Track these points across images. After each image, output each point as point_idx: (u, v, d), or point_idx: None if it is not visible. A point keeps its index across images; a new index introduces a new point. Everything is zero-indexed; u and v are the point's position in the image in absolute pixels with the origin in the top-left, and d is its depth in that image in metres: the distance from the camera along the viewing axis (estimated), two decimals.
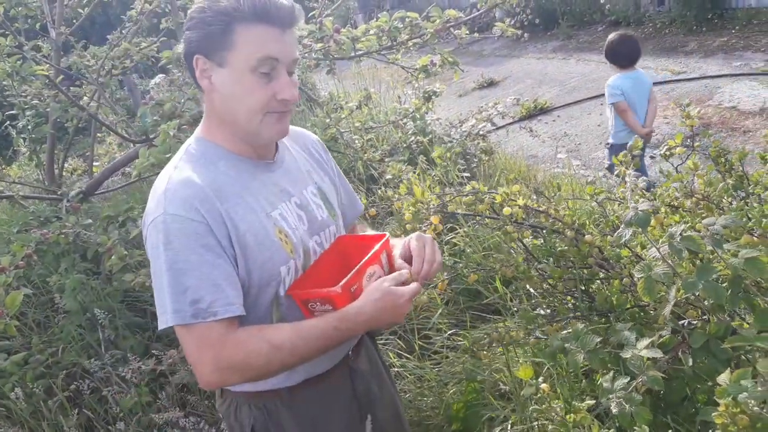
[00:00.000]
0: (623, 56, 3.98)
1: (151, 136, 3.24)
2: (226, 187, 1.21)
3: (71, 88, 4.08)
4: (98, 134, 5.66)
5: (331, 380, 1.40)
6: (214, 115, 1.26)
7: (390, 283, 1.23)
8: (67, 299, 2.91)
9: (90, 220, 3.23)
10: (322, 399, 1.39)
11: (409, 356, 2.67)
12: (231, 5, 1.13)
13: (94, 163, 5.09)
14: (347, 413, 1.43)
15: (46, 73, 3.64)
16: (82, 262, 3.13)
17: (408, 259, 1.34)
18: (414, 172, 3.69)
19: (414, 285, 1.25)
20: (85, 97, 4.13)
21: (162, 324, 1.15)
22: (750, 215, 1.65)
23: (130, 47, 3.76)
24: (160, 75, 7.42)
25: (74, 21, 4.25)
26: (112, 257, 2.74)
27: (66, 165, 5.45)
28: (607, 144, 4.31)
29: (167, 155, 2.45)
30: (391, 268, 1.35)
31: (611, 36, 4.08)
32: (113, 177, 4.85)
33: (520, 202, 1.87)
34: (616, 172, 2.01)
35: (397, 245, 1.40)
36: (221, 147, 1.26)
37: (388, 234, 1.37)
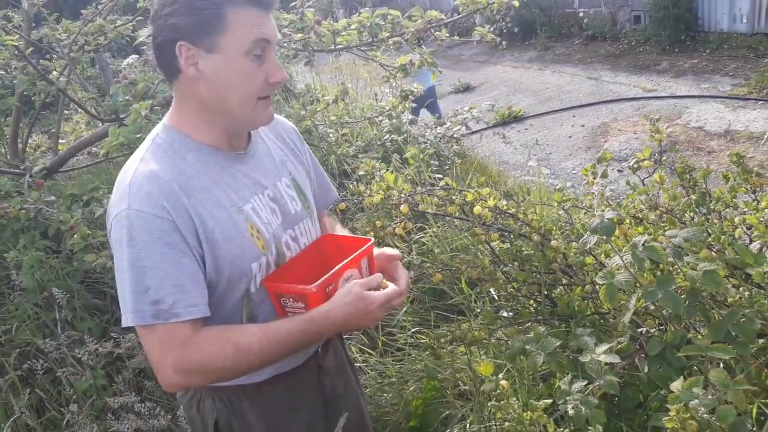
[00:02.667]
0: None
1: (122, 116, 3.18)
2: (193, 182, 1.16)
3: (41, 61, 3.97)
4: (66, 111, 5.51)
5: (298, 376, 1.38)
6: (190, 104, 1.20)
7: (362, 288, 1.19)
8: (24, 276, 2.83)
9: (53, 197, 3.15)
10: (288, 394, 1.37)
11: (371, 352, 2.68)
12: None
13: (60, 141, 4.95)
14: (312, 409, 1.42)
15: (16, 44, 3.53)
16: (42, 240, 3.05)
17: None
18: (387, 170, 3.70)
19: (388, 290, 1.22)
20: (54, 72, 4.01)
21: (124, 322, 1.12)
22: (710, 231, 1.70)
23: (105, 24, 3.67)
24: (133, 55, 7.26)
25: None
26: (74, 236, 2.68)
27: (30, 140, 5.30)
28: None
29: (137, 135, 2.40)
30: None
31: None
32: (79, 156, 4.73)
33: (491, 202, 1.89)
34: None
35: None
36: (190, 138, 1.21)
37: (372, 240, 1.33)
